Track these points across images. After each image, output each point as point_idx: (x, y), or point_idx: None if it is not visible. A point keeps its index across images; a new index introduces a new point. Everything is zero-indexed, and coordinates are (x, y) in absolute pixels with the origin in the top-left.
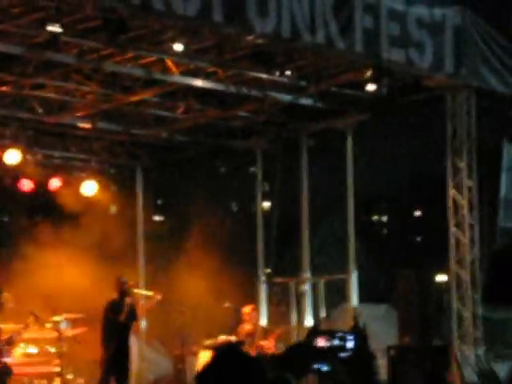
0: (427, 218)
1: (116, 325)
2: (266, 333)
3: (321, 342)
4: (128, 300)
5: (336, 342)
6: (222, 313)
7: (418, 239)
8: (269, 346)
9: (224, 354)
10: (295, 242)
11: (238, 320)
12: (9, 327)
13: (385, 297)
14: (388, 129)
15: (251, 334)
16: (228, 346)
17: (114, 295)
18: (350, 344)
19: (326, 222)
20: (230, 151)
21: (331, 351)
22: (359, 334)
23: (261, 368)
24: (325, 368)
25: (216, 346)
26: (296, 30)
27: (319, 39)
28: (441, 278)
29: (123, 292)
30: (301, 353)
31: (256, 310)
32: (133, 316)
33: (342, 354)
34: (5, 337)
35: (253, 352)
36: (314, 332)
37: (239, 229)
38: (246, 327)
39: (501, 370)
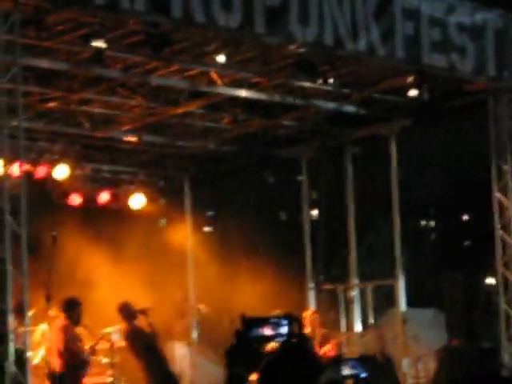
0: (474, 221)
1: (149, 350)
2: (326, 338)
3: (267, 331)
4: (142, 321)
5: (282, 330)
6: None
7: (466, 243)
8: (330, 351)
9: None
10: (342, 249)
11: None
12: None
13: (433, 301)
14: (431, 134)
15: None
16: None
17: (125, 324)
18: (284, 329)
19: (372, 228)
20: (276, 160)
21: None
22: (293, 318)
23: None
24: (363, 375)
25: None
26: (338, 37)
27: (361, 46)
28: (489, 280)
29: (131, 316)
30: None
31: (316, 314)
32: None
33: (280, 339)
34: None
35: None
36: (247, 321)
37: (287, 237)
38: (306, 331)
39: None
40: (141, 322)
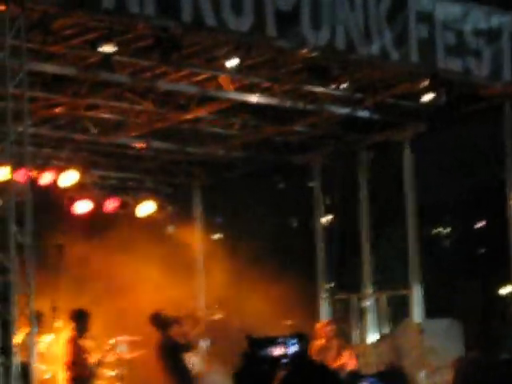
0: (490, 229)
1: (179, 361)
2: (343, 348)
3: (276, 351)
4: (176, 330)
5: (291, 349)
6: (283, 331)
7: (482, 251)
8: (348, 362)
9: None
10: (356, 257)
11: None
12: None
13: (449, 311)
14: (447, 139)
15: (324, 350)
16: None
17: (158, 334)
18: (293, 348)
19: (386, 236)
20: (287, 166)
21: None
22: (301, 337)
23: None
24: None
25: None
26: (350, 41)
27: (374, 50)
28: (506, 289)
29: (164, 325)
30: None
31: (331, 324)
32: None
33: (284, 360)
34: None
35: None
36: (253, 341)
37: (299, 244)
38: (318, 343)
39: None
40: (174, 331)
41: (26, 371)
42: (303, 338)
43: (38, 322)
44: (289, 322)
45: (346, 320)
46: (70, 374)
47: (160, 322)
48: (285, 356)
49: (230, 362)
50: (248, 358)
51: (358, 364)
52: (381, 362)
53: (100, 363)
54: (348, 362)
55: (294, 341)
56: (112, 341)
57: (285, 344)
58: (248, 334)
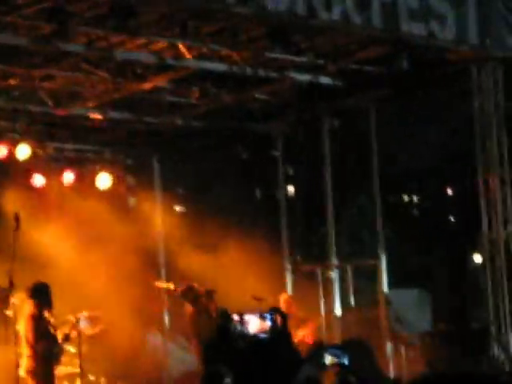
0: (460, 196)
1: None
2: (302, 322)
3: (250, 327)
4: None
5: (265, 325)
6: (250, 303)
7: (452, 219)
8: (307, 335)
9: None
10: (321, 227)
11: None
12: None
13: (418, 281)
14: (413, 105)
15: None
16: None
17: (190, 307)
18: (267, 324)
19: (353, 206)
20: (249, 136)
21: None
22: (277, 312)
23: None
24: (345, 362)
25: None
26: (311, 6)
27: (335, 15)
28: (475, 259)
29: (196, 298)
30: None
31: (290, 297)
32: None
33: (262, 335)
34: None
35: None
36: (227, 316)
37: (263, 216)
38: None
39: None
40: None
41: None
42: (277, 314)
43: None
44: (253, 295)
45: (311, 292)
46: (33, 352)
47: (192, 295)
48: (262, 331)
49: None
50: (222, 331)
51: (324, 336)
52: (347, 334)
53: (66, 339)
54: (308, 335)
55: (268, 316)
56: (72, 317)
57: (260, 319)
58: (222, 309)
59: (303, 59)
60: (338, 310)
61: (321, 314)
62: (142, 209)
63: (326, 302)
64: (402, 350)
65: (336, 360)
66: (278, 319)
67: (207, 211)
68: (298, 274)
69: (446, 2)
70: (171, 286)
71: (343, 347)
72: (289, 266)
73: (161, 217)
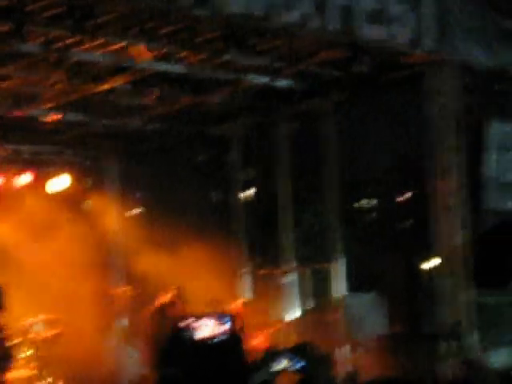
0: (414, 202)
1: None
2: (258, 325)
3: (205, 330)
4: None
5: (221, 329)
6: (205, 307)
7: (405, 225)
8: (263, 339)
9: None
10: (278, 231)
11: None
12: None
13: (373, 285)
14: (370, 108)
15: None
16: None
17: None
18: (223, 328)
19: (309, 210)
20: (206, 139)
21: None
22: (235, 316)
23: None
24: (299, 365)
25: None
26: (268, 9)
27: (293, 18)
28: (430, 263)
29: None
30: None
31: (245, 304)
32: None
33: (218, 338)
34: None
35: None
36: (183, 319)
37: (220, 219)
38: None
39: (495, 357)
40: None
41: None
42: (237, 316)
43: None
44: (209, 299)
45: (269, 296)
46: None
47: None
48: (216, 335)
49: (147, 338)
50: (176, 335)
51: (281, 340)
52: (304, 338)
53: (19, 342)
54: (263, 342)
55: (226, 320)
56: (28, 320)
57: (219, 322)
58: (180, 312)
59: (260, 62)
60: (295, 314)
61: (278, 318)
62: (100, 210)
63: (284, 306)
64: (358, 353)
65: (291, 365)
66: (236, 323)
67: (164, 213)
68: (255, 277)
69: (403, 5)
70: (127, 289)
71: (297, 352)
72: (246, 270)
73: (118, 219)
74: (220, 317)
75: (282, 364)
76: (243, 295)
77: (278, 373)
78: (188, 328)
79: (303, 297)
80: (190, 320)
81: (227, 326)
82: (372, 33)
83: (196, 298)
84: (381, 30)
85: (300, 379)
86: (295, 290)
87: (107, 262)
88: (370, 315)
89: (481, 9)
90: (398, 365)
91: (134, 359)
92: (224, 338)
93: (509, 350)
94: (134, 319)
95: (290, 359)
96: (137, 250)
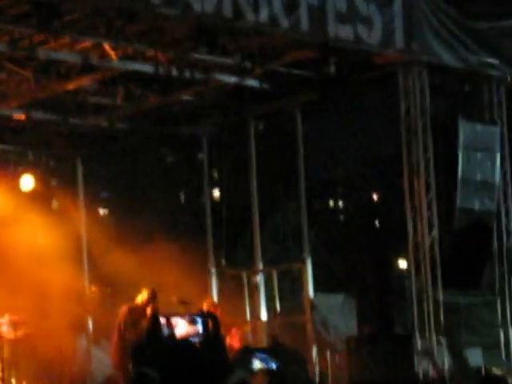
0: (385, 201)
1: None
2: (227, 326)
3: (180, 330)
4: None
5: (196, 328)
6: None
7: (376, 225)
8: (233, 340)
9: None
10: (247, 232)
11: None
12: None
13: (343, 285)
14: (339, 109)
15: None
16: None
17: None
18: (198, 328)
19: (278, 210)
20: (174, 138)
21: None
22: (208, 315)
23: None
24: (273, 366)
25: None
26: (238, 8)
27: (263, 18)
28: (401, 263)
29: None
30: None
31: (214, 303)
32: None
33: (192, 339)
34: None
35: None
36: (156, 319)
37: (188, 219)
38: None
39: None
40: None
41: None
42: (211, 316)
43: None
44: (175, 299)
45: (237, 296)
46: None
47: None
48: (192, 335)
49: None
50: (151, 335)
51: (250, 341)
52: (273, 339)
53: None
54: (235, 341)
55: (199, 320)
56: None
57: (190, 323)
58: (154, 312)
59: (230, 61)
60: (263, 315)
61: (246, 319)
62: (66, 211)
63: (251, 307)
64: (328, 354)
65: (264, 365)
66: (210, 323)
67: (132, 213)
68: (223, 278)
69: (373, 5)
70: (96, 288)
71: (271, 352)
72: (214, 270)
73: (84, 219)
74: (192, 316)
75: (256, 364)
76: (211, 295)
77: (254, 373)
78: (164, 327)
79: (271, 298)
80: (164, 320)
81: (201, 326)
82: (343, 33)
83: (163, 298)
84: (351, 30)
85: (275, 379)
86: (263, 291)
87: (76, 262)
88: (339, 316)
89: (449, 11)
90: (368, 366)
91: (101, 360)
92: (200, 337)
93: (480, 350)
94: (103, 319)
95: (264, 360)
96: (105, 250)
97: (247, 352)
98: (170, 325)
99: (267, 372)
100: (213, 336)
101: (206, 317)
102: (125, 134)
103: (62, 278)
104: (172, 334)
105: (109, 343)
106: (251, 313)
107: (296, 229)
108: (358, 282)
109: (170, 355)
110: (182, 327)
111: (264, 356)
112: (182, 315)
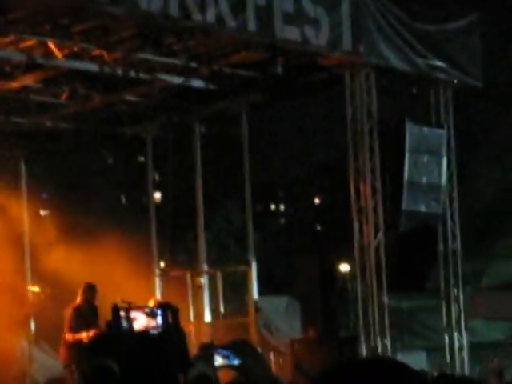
0: (329, 204)
1: None
2: None
3: (139, 322)
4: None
5: (156, 321)
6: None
7: (319, 228)
8: None
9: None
10: (191, 234)
11: None
12: None
13: (286, 288)
14: (285, 111)
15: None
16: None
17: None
18: (157, 320)
19: (222, 212)
20: (118, 139)
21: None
22: (168, 308)
23: None
24: (235, 362)
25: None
26: (184, 8)
27: (209, 18)
28: (345, 266)
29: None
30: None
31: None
32: None
33: (153, 331)
34: None
35: None
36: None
37: (131, 221)
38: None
39: (408, 360)
40: None
41: None
42: (168, 311)
43: None
44: (119, 300)
45: (180, 297)
46: None
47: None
48: (151, 328)
49: (58, 342)
50: (111, 327)
51: (193, 343)
52: (217, 341)
53: None
54: None
55: (159, 312)
56: None
57: (149, 315)
58: (114, 304)
59: (175, 61)
60: (207, 317)
61: (190, 321)
62: (8, 210)
63: (195, 309)
64: (272, 356)
65: (226, 361)
66: (169, 316)
67: (75, 214)
68: (167, 279)
69: (321, 7)
70: (37, 289)
71: (232, 348)
72: (157, 271)
73: (27, 218)
74: (152, 310)
75: (218, 360)
76: (155, 296)
77: (218, 368)
78: (123, 320)
79: (214, 300)
80: (123, 313)
81: (160, 319)
82: (290, 34)
83: (106, 299)
84: (299, 32)
85: (238, 375)
86: (207, 293)
87: (18, 262)
88: (283, 319)
89: (398, 13)
90: (312, 367)
91: (43, 362)
92: (160, 329)
93: (423, 353)
94: (46, 319)
95: (225, 356)
96: (48, 251)
97: (209, 348)
98: (128, 318)
99: (231, 367)
100: (173, 329)
101: (166, 309)
102: (68, 134)
103: (2, 278)
104: (131, 327)
105: (49, 345)
106: (195, 314)
107: (240, 231)
108: (302, 285)
109: (129, 347)
110: (141, 320)
111: (226, 352)
112: (140, 308)
